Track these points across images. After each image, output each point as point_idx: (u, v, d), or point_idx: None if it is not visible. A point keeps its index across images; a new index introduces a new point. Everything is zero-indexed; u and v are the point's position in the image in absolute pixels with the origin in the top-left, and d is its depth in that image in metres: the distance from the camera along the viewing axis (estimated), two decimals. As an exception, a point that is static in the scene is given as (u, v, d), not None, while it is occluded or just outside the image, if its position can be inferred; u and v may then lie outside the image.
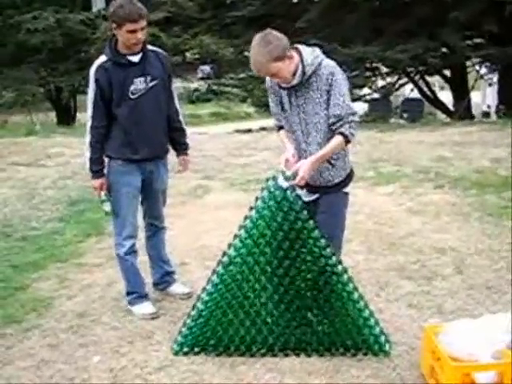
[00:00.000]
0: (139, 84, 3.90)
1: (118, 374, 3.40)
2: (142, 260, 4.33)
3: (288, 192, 3.33)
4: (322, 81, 3.40)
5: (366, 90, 18.50)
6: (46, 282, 4.75)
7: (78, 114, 21.45)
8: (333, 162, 3.51)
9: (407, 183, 7.59)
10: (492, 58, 15.69)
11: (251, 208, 3.40)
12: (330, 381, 3.26)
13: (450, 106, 18.23)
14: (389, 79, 19.10)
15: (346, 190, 3.66)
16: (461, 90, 17.48)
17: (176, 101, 4.23)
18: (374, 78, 18.40)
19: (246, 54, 15.75)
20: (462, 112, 16.04)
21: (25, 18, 17.16)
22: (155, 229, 4.31)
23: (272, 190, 3.35)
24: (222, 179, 8.14)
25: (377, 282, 4.57)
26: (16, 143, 11.56)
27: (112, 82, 3.86)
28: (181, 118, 4.25)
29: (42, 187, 7.93)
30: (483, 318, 3.35)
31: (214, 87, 21.02)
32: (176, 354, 3.58)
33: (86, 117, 4.02)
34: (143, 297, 4.16)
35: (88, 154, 3.97)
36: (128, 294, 4.18)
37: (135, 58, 3.91)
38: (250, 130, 13.77)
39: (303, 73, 3.39)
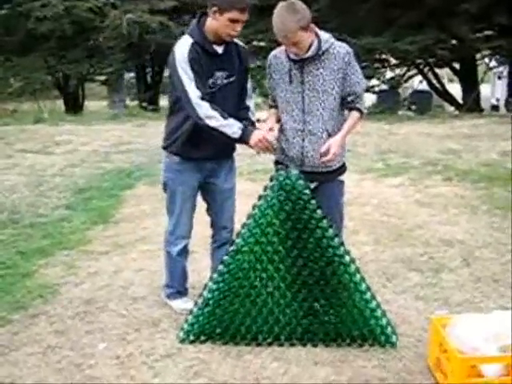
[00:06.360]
0: (218, 78, 3.58)
1: (125, 361, 3.40)
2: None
3: (297, 182, 3.33)
4: (336, 59, 3.44)
5: (374, 82, 18.43)
6: (53, 268, 4.76)
7: (85, 102, 21.50)
8: None
9: (415, 175, 7.59)
10: (502, 49, 15.61)
11: (260, 197, 3.39)
12: (336, 371, 3.26)
13: (459, 99, 18.16)
14: (398, 71, 19.06)
15: (342, 178, 3.72)
16: (470, 83, 17.40)
17: (249, 98, 3.83)
18: (382, 70, 18.36)
19: (254, 43, 15.68)
20: (471, 105, 16.00)
21: (34, 6, 17.16)
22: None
23: (281, 179, 3.34)
24: (230, 169, 8.13)
25: (384, 273, 4.56)
26: (24, 131, 11.60)
27: (200, 69, 3.50)
28: (250, 114, 3.79)
29: (49, 174, 7.96)
30: (493, 314, 3.32)
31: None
32: (182, 342, 3.57)
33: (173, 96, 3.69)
34: (183, 293, 4.08)
35: (216, 122, 3.48)
36: (167, 286, 4.09)
37: (220, 49, 3.59)
38: (258, 120, 13.69)
39: (318, 47, 3.43)
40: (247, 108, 3.80)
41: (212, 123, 3.48)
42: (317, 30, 3.47)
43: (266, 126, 3.59)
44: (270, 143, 3.51)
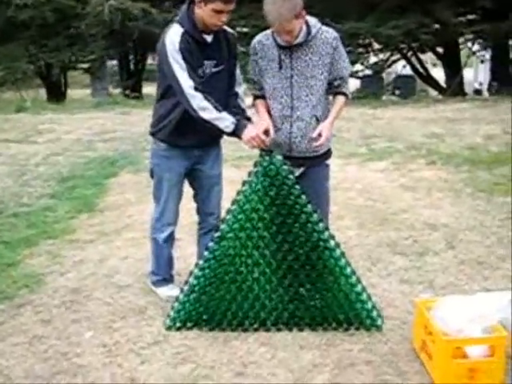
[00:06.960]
0: (207, 68, 3.53)
1: (112, 349, 3.40)
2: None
3: (281, 167, 3.33)
4: (324, 44, 3.44)
5: (358, 67, 18.41)
6: (38, 258, 4.74)
7: (68, 90, 21.33)
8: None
9: (399, 159, 7.61)
10: (485, 33, 15.65)
11: (244, 183, 3.39)
12: (323, 354, 3.28)
13: (443, 83, 18.21)
14: (381, 56, 19.03)
15: (328, 162, 3.74)
16: (453, 67, 17.45)
17: (238, 85, 3.79)
18: (366, 55, 18.32)
19: (238, 29, 15.59)
20: (454, 89, 16.04)
21: (14, -7, 16.94)
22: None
23: (265, 164, 3.34)
24: (214, 156, 8.11)
25: (369, 257, 4.58)
26: (6, 120, 11.48)
27: (191, 59, 3.45)
28: (239, 101, 3.75)
29: (32, 164, 7.90)
30: (477, 296, 3.35)
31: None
32: (169, 329, 3.58)
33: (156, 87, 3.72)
34: (168, 280, 4.08)
35: (209, 114, 3.43)
36: (153, 273, 4.08)
37: (209, 38, 3.53)
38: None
39: (308, 33, 3.41)
40: (236, 94, 3.75)
41: (205, 115, 3.44)
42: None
43: (261, 126, 3.49)
44: (263, 141, 3.44)
